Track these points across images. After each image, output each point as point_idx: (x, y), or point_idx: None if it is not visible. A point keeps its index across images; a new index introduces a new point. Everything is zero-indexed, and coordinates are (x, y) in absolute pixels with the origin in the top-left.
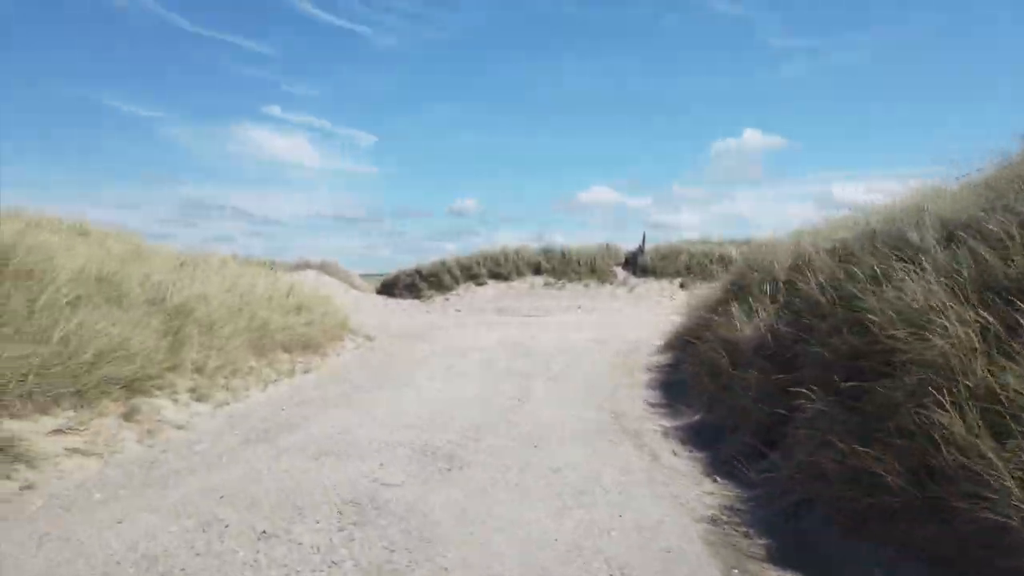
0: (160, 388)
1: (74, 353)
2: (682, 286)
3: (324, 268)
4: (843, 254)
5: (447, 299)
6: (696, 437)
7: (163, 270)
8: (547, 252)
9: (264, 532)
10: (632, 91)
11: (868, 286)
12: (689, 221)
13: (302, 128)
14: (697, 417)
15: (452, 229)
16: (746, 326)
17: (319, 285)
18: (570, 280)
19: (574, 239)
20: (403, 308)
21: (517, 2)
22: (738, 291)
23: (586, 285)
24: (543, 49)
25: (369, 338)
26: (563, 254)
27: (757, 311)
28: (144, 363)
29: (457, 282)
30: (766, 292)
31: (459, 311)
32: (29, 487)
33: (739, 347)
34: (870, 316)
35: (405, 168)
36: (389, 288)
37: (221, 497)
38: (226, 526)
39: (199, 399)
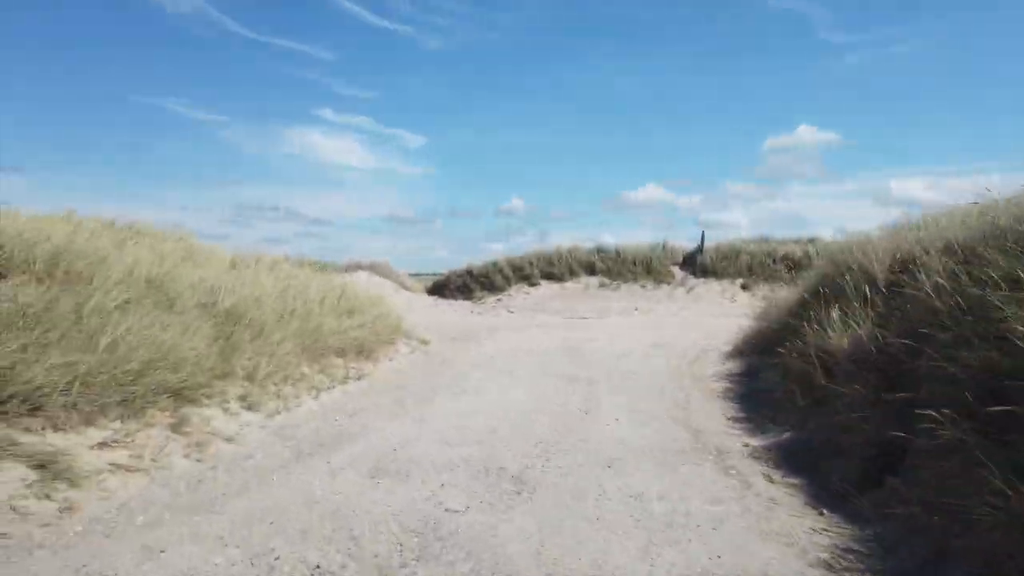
0: (210, 397)
1: (121, 360)
2: (744, 287)
3: (375, 269)
4: (966, 254)
5: (499, 300)
6: (789, 459)
7: (215, 272)
8: (601, 252)
9: (318, 567)
10: (683, 89)
11: (1006, 291)
12: (739, 219)
13: (353, 130)
14: (787, 435)
15: (501, 229)
16: (842, 334)
17: (370, 286)
18: (625, 281)
19: (623, 239)
20: (454, 309)
21: (566, 1)
22: (825, 294)
23: (642, 286)
24: (593, 48)
25: (424, 341)
26: (618, 254)
27: (854, 317)
28: (193, 370)
29: (509, 283)
30: (863, 296)
31: (512, 312)
32: (69, 508)
33: (835, 357)
34: (1017, 327)
35: (454, 168)
36: (440, 289)
37: (271, 523)
38: (276, 558)
39: (250, 408)
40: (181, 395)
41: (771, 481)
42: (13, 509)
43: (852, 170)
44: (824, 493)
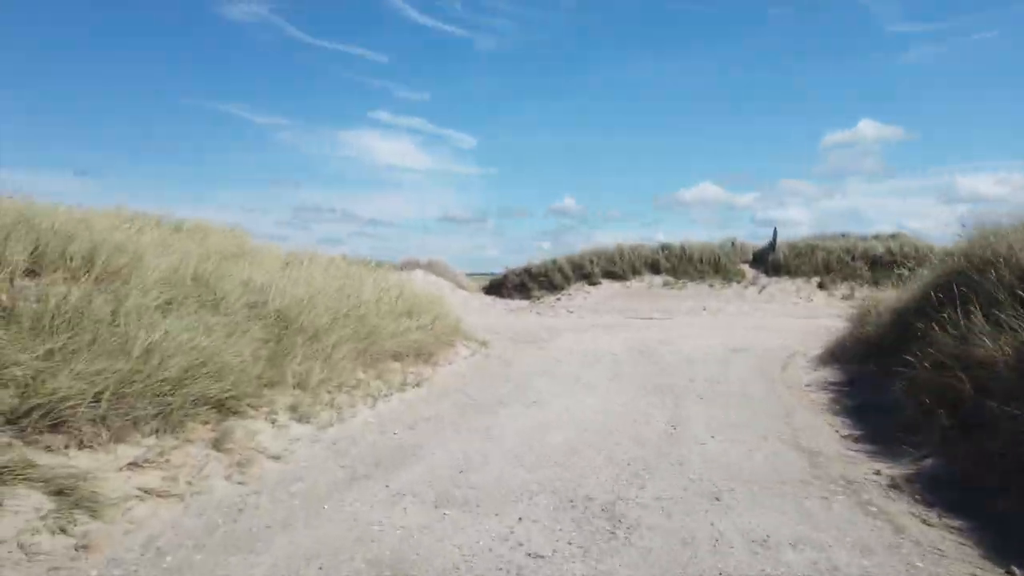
0: (257, 407)
1: (157, 368)
2: (820, 286)
3: (431, 267)
4: None
5: (558, 299)
6: (939, 494)
7: (267, 270)
8: (666, 249)
9: None
10: (739, 85)
11: None
12: (796, 217)
13: (407, 131)
14: (928, 462)
15: (554, 229)
16: (998, 341)
17: (427, 285)
18: (691, 279)
19: (678, 238)
20: (511, 309)
21: None
22: (960, 293)
23: (710, 285)
24: (647, 45)
25: (483, 343)
26: (683, 251)
27: (1009, 321)
28: (239, 378)
29: (568, 282)
30: (1018, 296)
31: (572, 312)
32: (87, 546)
33: (991, 369)
34: None
35: (506, 168)
36: (497, 288)
37: (320, 569)
38: None
39: (300, 419)
40: (225, 406)
41: (927, 524)
42: (21, 547)
43: (915, 166)
44: (1004, 542)
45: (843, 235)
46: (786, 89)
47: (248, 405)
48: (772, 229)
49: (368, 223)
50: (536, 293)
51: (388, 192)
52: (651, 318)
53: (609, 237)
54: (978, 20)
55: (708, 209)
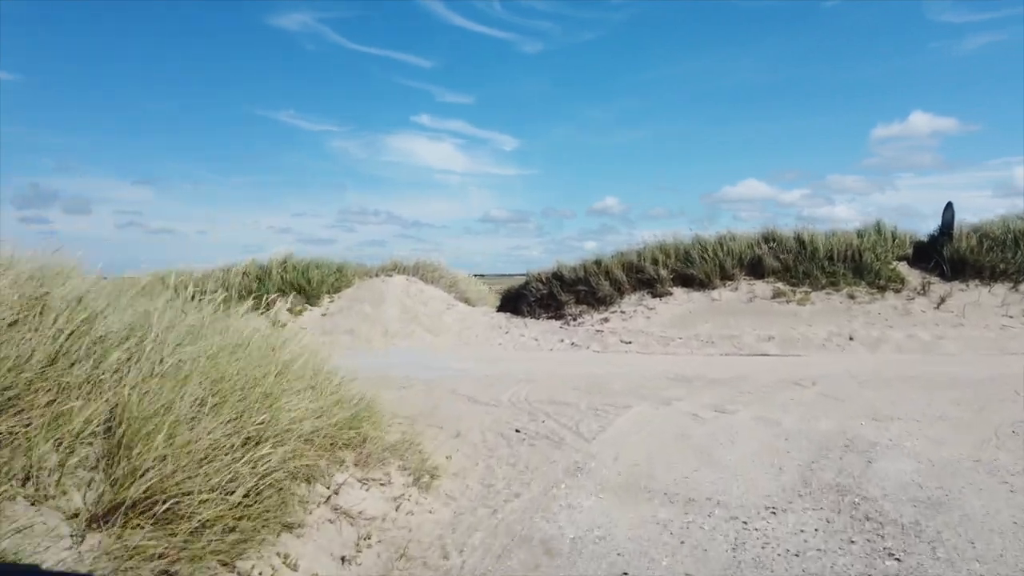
0: None
1: None
2: None
3: (420, 271)
4: None
5: (606, 320)
6: None
7: None
8: (773, 242)
9: None
10: (787, 80)
11: None
12: (844, 214)
13: (449, 134)
14: None
15: (595, 228)
16: None
17: (406, 300)
18: (817, 287)
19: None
20: (533, 339)
21: None
22: None
23: (850, 296)
24: (692, 42)
25: (428, 476)
26: (801, 244)
27: None
28: None
29: (620, 292)
30: None
31: (629, 344)
32: None
33: None
34: None
35: (549, 169)
36: (514, 301)
37: None
38: None
39: None
40: None
41: None
42: None
43: (971, 158)
44: None
45: None
46: (835, 83)
47: None
48: (945, 204)
49: (412, 225)
50: (571, 310)
51: (431, 194)
52: (763, 355)
53: (648, 237)
54: None
55: (753, 207)
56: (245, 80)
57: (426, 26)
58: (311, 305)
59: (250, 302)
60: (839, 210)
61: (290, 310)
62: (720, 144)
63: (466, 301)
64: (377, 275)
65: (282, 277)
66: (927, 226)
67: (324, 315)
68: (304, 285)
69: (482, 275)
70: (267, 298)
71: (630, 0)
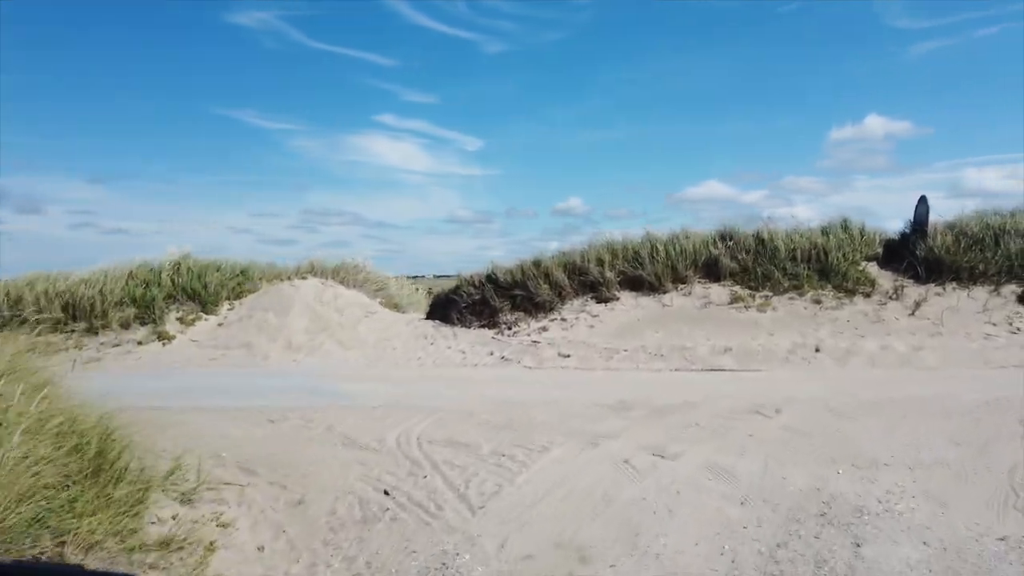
0: None
1: None
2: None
3: (341, 274)
4: None
5: (544, 330)
6: None
7: None
8: (731, 240)
9: None
10: (745, 82)
11: None
12: (803, 214)
13: (412, 134)
14: None
15: (559, 228)
16: None
17: (320, 305)
18: (777, 291)
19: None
20: (460, 351)
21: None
22: None
23: (815, 300)
24: (653, 44)
25: None
26: (761, 243)
27: None
28: None
29: (562, 297)
30: None
31: (567, 359)
32: None
33: None
34: None
35: (512, 170)
36: (444, 307)
37: None
38: None
39: None
40: None
41: None
42: None
43: (925, 161)
44: None
45: None
46: (793, 86)
47: None
48: (919, 198)
49: (376, 226)
50: (505, 317)
51: (395, 195)
52: (720, 369)
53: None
54: (984, 16)
55: (714, 207)
56: (203, 78)
57: (389, 25)
58: (207, 314)
59: (128, 312)
60: (799, 210)
61: (180, 320)
62: (683, 145)
63: (395, 307)
64: (289, 278)
65: (173, 281)
66: (886, 227)
67: (220, 325)
68: (199, 290)
69: (446, 275)
70: (155, 306)
71: (592, 1)
